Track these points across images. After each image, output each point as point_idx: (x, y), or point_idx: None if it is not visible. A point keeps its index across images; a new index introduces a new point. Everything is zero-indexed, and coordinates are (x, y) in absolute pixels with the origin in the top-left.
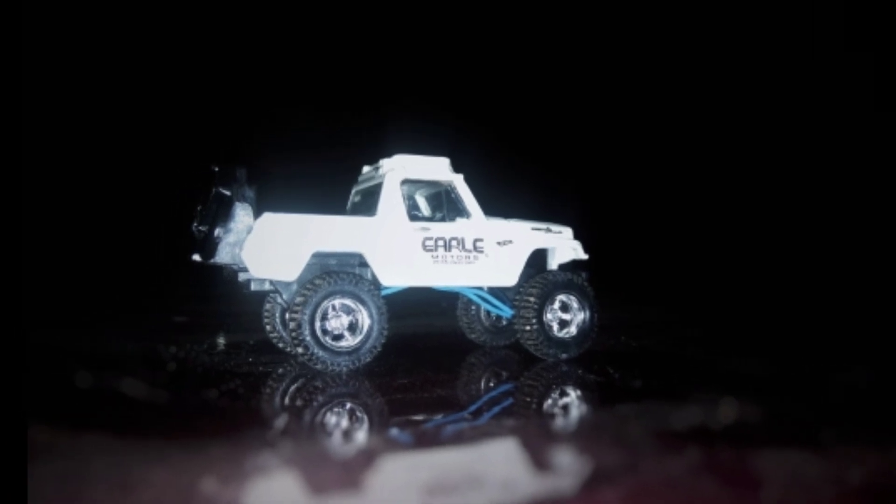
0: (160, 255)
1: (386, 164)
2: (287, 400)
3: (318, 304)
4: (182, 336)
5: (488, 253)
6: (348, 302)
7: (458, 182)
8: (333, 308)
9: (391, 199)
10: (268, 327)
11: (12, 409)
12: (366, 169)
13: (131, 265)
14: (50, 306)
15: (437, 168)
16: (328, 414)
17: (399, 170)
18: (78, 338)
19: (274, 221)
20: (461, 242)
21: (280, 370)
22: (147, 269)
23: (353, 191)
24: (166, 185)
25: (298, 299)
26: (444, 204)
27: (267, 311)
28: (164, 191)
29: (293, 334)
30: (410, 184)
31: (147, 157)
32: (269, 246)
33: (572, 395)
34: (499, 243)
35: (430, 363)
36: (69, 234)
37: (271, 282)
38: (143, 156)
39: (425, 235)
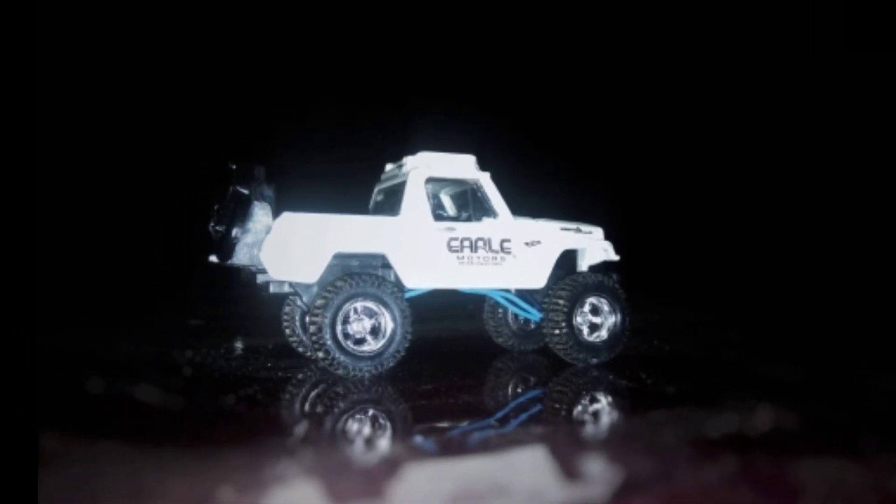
0: (176, 255)
1: (410, 161)
2: (307, 406)
3: (339, 307)
4: (198, 340)
5: (516, 254)
6: (371, 305)
7: (485, 180)
8: (355, 311)
9: (415, 198)
10: (287, 331)
11: (22, 414)
12: (389, 167)
13: (146, 266)
14: (62, 308)
15: (462, 166)
16: (350, 421)
17: (423, 168)
18: (90, 341)
19: (293, 221)
20: (488, 243)
21: (300, 375)
22: (162, 270)
23: (376, 189)
24: (182, 183)
25: (319, 302)
26: (470, 203)
27: (286, 314)
28: (180, 190)
29: (313, 338)
30: (435, 182)
31: (162, 154)
32: (288, 247)
33: (603, 402)
34: (527, 244)
35: (456, 368)
36: (82, 234)
37: (291, 284)
38: (158, 154)
39: (450, 236)
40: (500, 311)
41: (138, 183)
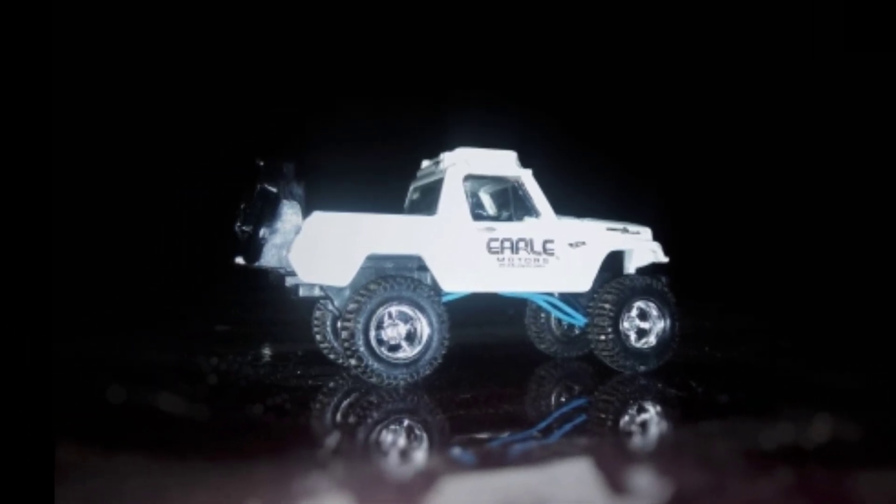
0: (200, 258)
1: (447, 158)
2: (339, 416)
3: (373, 312)
4: (224, 346)
5: (559, 255)
6: (406, 309)
7: (527, 178)
8: (390, 316)
9: (453, 197)
10: (318, 337)
11: (38, 425)
12: (425, 163)
13: (169, 270)
14: (82, 315)
15: (503, 162)
16: (384, 432)
17: (461, 164)
18: (111, 348)
19: (324, 221)
20: (530, 244)
21: (331, 384)
22: (186, 273)
23: (412, 187)
24: (207, 181)
25: (351, 306)
26: (511, 202)
27: (317, 319)
28: (205, 188)
29: (346, 344)
30: (474, 180)
31: (187, 152)
32: (319, 248)
33: (651, 412)
34: (571, 245)
35: (496, 376)
36: (103, 237)
37: (321, 287)
38: (182, 151)
39: (490, 236)
40: (543, 315)
41: (162, 182)
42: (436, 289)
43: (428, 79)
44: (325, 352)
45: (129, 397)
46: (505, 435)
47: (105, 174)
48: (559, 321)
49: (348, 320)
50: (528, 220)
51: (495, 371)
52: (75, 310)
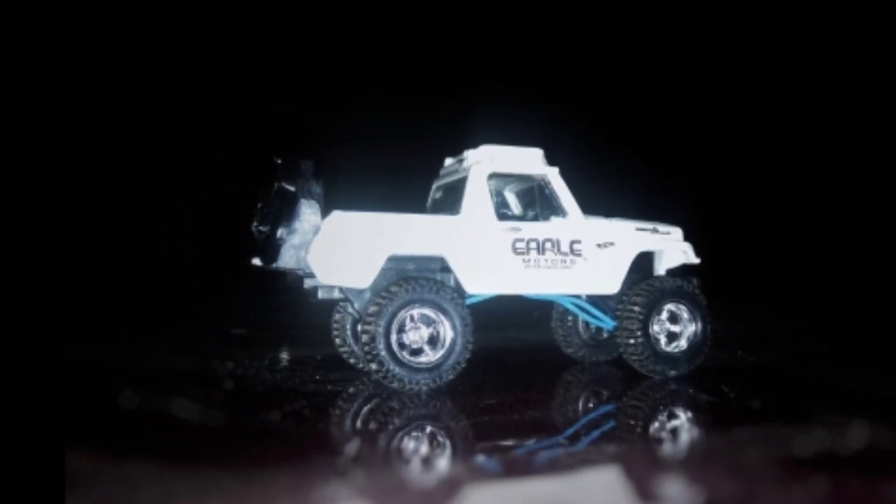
0: (215, 259)
1: (471, 155)
2: (359, 423)
3: (394, 315)
4: (240, 350)
5: (587, 256)
6: (428, 312)
7: (553, 176)
8: (412, 319)
9: (477, 196)
10: (337, 340)
11: (48, 432)
12: (448, 161)
13: (183, 271)
14: (91, 317)
15: (528, 160)
16: (406, 439)
17: (486, 162)
18: (124, 353)
19: (345, 221)
20: (556, 244)
21: (351, 389)
22: (201, 274)
23: (434, 186)
24: (223, 180)
25: (372, 309)
26: (537, 201)
27: (336, 322)
28: (221, 187)
29: (366, 348)
30: (499, 178)
31: (201, 150)
32: (338, 249)
33: (682, 418)
34: (599, 245)
35: (522, 381)
36: (113, 235)
37: (341, 289)
38: (196, 149)
39: (516, 237)
40: (570, 318)
41: (175, 181)
42: (459, 291)
43: (450, 74)
44: (345, 356)
45: (143, 403)
46: (531, 442)
47: (116, 175)
48: (587, 324)
49: (369, 323)
50: (555, 220)
51: (521, 376)
52: (83, 312)
